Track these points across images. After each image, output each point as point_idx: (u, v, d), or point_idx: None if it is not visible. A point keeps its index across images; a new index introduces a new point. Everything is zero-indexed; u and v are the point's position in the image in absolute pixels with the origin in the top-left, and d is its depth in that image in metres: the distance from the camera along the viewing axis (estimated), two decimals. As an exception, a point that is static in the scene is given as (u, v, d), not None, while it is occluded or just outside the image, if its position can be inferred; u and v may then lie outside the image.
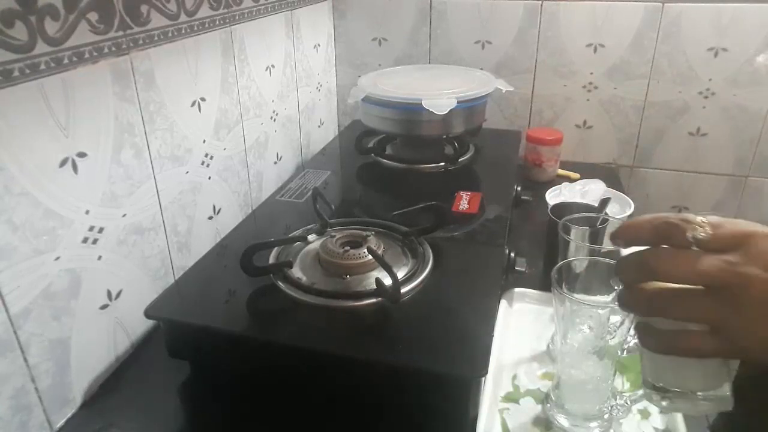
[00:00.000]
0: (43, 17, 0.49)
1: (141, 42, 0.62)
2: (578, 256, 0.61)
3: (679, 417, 0.53)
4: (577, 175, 1.08)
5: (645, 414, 0.55)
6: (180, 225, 0.74)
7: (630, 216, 0.89)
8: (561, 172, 1.09)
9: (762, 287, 0.31)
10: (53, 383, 0.55)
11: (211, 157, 0.79)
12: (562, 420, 0.54)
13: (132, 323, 0.66)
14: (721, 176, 1.14)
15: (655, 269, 0.33)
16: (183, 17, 0.69)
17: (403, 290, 0.57)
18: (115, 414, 0.58)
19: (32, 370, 0.53)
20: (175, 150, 0.71)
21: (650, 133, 1.14)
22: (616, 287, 0.44)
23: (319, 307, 0.57)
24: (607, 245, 0.62)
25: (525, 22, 1.11)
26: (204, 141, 0.77)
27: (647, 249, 0.35)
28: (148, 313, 0.57)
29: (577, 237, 0.64)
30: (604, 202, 0.75)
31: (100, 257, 0.59)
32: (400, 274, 0.60)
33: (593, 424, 0.53)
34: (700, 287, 0.33)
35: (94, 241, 0.58)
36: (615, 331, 0.47)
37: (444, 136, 0.97)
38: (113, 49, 0.58)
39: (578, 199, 0.88)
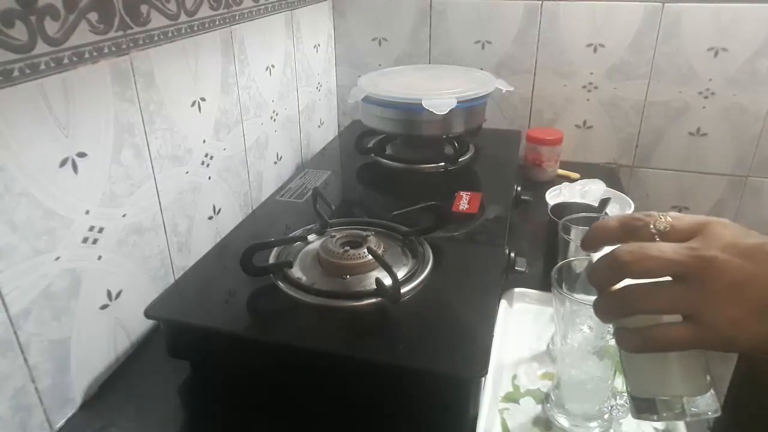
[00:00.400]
0: (43, 17, 0.49)
1: (141, 42, 0.62)
2: (578, 256, 0.60)
3: (679, 417, 0.53)
4: (577, 175, 1.08)
5: (645, 414, 0.55)
6: (180, 225, 0.73)
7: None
8: (561, 172, 1.10)
9: (723, 267, 0.33)
10: (53, 383, 0.55)
11: (211, 157, 0.79)
12: (562, 420, 0.54)
13: (132, 323, 0.66)
14: (721, 176, 1.14)
15: (625, 262, 0.35)
16: (183, 17, 0.69)
17: (403, 290, 0.57)
18: (115, 414, 0.58)
19: (32, 370, 0.53)
20: (175, 150, 0.71)
21: (650, 133, 1.14)
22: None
23: (319, 307, 0.57)
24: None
25: (525, 22, 1.10)
26: (204, 141, 0.77)
27: (616, 247, 0.36)
28: (148, 313, 0.57)
29: (577, 237, 0.63)
30: (604, 202, 0.75)
31: (100, 257, 0.60)
32: (400, 274, 0.60)
33: (593, 424, 0.53)
34: (668, 278, 0.35)
35: (94, 241, 0.58)
36: (615, 331, 0.47)
37: (444, 136, 0.97)
38: (113, 49, 0.58)
39: (578, 199, 0.88)
